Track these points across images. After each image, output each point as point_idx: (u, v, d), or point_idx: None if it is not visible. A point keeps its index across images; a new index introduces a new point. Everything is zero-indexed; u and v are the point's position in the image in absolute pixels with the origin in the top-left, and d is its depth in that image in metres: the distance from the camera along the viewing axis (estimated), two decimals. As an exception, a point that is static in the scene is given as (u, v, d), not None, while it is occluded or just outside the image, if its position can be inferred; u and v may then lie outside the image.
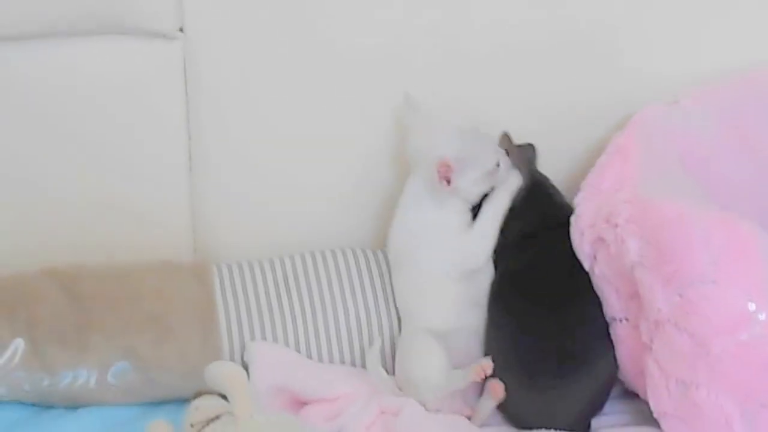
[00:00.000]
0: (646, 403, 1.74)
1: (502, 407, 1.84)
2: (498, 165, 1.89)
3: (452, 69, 2.06)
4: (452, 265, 1.89)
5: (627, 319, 1.81)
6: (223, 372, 1.63)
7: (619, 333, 1.83)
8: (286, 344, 1.93)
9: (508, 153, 1.97)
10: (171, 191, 2.09)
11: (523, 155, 1.98)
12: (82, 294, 1.90)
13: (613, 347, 1.82)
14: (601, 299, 1.84)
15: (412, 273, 1.92)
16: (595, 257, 1.83)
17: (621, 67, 2.08)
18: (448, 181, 1.85)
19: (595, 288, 1.84)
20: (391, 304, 1.96)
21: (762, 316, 1.60)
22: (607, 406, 1.85)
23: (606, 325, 1.83)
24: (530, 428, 1.78)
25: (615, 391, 1.86)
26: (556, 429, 1.76)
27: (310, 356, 1.94)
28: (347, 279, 1.97)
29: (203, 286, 1.94)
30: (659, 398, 1.70)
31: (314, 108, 2.08)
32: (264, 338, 1.92)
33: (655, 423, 1.72)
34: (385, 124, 2.09)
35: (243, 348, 1.91)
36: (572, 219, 1.87)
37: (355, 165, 2.12)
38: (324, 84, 2.07)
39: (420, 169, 1.92)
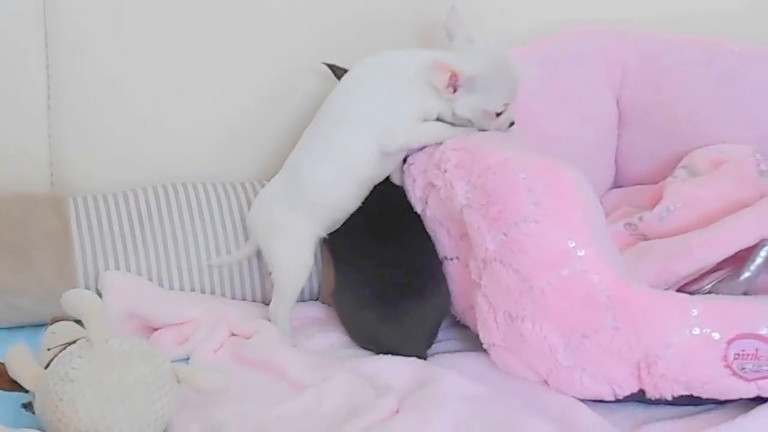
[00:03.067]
0: (477, 335, 1.85)
1: (354, 333, 1.96)
2: (499, 113, 1.92)
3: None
4: (375, 127, 1.92)
5: (458, 258, 1.92)
6: (78, 299, 1.65)
7: (451, 271, 1.94)
8: (139, 274, 2.00)
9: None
10: (29, 125, 2.12)
11: None
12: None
13: (446, 279, 1.94)
14: (434, 240, 1.95)
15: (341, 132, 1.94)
16: (426, 201, 1.94)
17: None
18: (455, 89, 1.88)
19: (428, 230, 1.96)
20: (241, 235, 2.05)
21: (581, 253, 1.71)
22: (441, 334, 1.96)
23: (439, 258, 1.95)
24: (382, 351, 1.89)
25: (446, 321, 1.98)
26: (399, 353, 1.87)
27: (162, 285, 2.01)
28: (198, 212, 2.05)
29: (59, 217, 2.00)
30: (488, 330, 1.80)
31: (179, 45, 2.14)
32: (117, 268, 1.99)
33: (485, 350, 1.84)
34: (249, 64, 2.19)
35: (97, 276, 1.97)
36: (404, 167, 1.98)
37: (215, 102, 2.19)
38: (190, 20, 2.13)
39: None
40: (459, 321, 1.99)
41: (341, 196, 1.95)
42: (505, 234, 1.75)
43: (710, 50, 2.24)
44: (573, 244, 1.72)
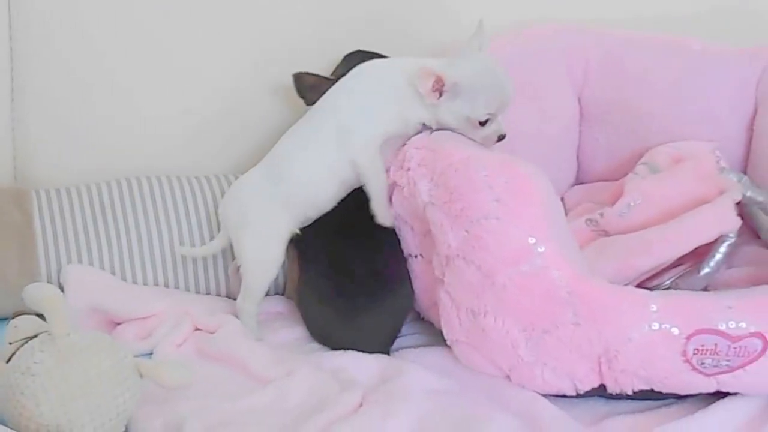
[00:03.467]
0: (441, 330, 1.87)
1: (312, 330, 1.97)
2: (482, 123, 1.89)
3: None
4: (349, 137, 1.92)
5: (421, 255, 1.94)
6: (40, 293, 1.66)
7: (415, 268, 1.96)
8: (102, 268, 2.00)
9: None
10: None
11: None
12: None
13: (410, 275, 1.96)
14: (399, 237, 1.97)
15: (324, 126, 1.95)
16: (390, 199, 1.95)
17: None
18: (440, 94, 1.87)
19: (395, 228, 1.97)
20: (205, 229, 2.06)
21: (541, 249, 1.72)
22: (405, 329, 1.98)
23: (404, 256, 1.97)
24: (340, 349, 1.90)
25: (411, 315, 2.00)
26: (363, 350, 1.88)
27: (125, 279, 2.02)
28: (162, 205, 2.06)
29: (22, 210, 2.00)
30: (451, 327, 1.82)
31: (145, 37, 2.15)
32: (80, 261, 1.99)
33: (449, 345, 1.85)
34: (217, 57, 2.19)
35: (60, 270, 1.98)
36: None
37: (180, 95, 2.20)
38: (156, 13, 2.14)
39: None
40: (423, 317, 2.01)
41: (319, 194, 1.96)
42: (467, 231, 1.77)
43: (671, 48, 2.27)
44: (533, 241, 1.74)
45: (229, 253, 2.05)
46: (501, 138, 1.92)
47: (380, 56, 2.09)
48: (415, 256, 1.95)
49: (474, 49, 1.92)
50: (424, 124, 1.93)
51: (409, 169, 1.87)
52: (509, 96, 1.91)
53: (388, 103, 1.92)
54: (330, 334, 1.93)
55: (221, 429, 1.66)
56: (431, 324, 1.97)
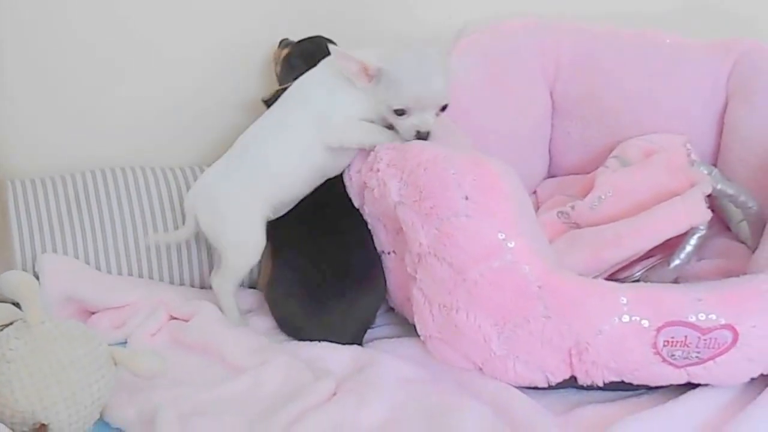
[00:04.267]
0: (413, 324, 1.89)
1: (283, 323, 1.98)
2: (399, 113, 1.89)
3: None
4: (320, 119, 1.94)
5: (394, 252, 1.96)
6: (15, 280, 1.67)
7: (388, 265, 1.99)
8: (76, 257, 2.02)
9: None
10: None
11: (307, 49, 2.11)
12: None
13: (382, 268, 1.98)
14: (373, 235, 1.99)
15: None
16: (363, 198, 1.97)
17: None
18: (369, 78, 1.88)
19: (368, 225, 1.99)
20: (179, 220, 2.07)
21: (511, 244, 1.75)
22: (378, 320, 2.01)
23: (377, 252, 1.99)
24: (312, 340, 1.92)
25: (384, 307, 2.03)
26: (336, 341, 1.91)
27: (99, 269, 2.04)
28: (136, 196, 2.08)
29: None
30: (425, 323, 1.85)
31: (117, 28, 2.16)
32: (55, 251, 2.01)
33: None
34: (187, 49, 2.22)
35: (35, 259, 1.99)
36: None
37: (151, 87, 2.22)
38: (129, 3, 2.16)
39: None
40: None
41: (293, 180, 1.97)
42: (437, 229, 1.80)
43: (642, 43, 2.30)
44: (503, 236, 1.76)
45: (197, 242, 2.08)
46: (421, 136, 1.90)
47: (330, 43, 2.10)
48: (388, 253, 1.98)
49: (427, 42, 1.94)
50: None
51: (378, 170, 1.89)
52: (433, 92, 1.89)
53: (355, 89, 1.92)
54: (298, 328, 1.95)
55: (196, 417, 1.68)
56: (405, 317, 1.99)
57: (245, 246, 1.98)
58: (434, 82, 1.88)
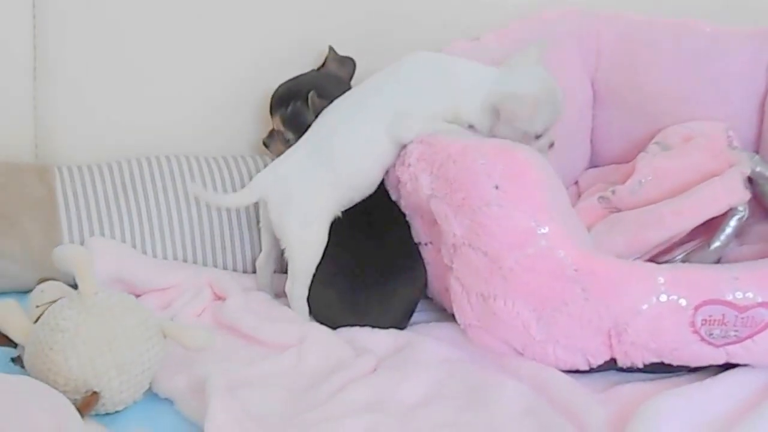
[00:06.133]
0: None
1: (318, 312, 2.01)
2: (539, 136, 1.98)
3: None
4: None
5: (431, 243, 2.01)
6: (69, 253, 1.75)
7: (426, 256, 2.03)
8: (123, 241, 2.09)
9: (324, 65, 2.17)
10: (15, 96, 2.20)
11: (343, 67, 2.17)
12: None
13: (422, 258, 2.02)
14: (411, 225, 2.04)
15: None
16: (399, 192, 2.01)
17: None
18: None
19: (406, 217, 2.04)
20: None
21: (545, 230, 1.79)
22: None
23: (416, 245, 2.03)
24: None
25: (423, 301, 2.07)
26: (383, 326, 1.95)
27: (144, 253, 2.10)
28: (181, 183, 2.14)
29: (46, 185, 2.09)
30: (463, 312, 1.89)
31: (166, 17, 2.22)
32: (102, 235, 2.08)
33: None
34: (238, 40, 2.26)
35: (83, 243, 2.05)
36: None
37: (198, 76, 2.26)
38: None
39: None
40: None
41: (365, 178, 2.01)
42: (470, 219, 1.84)
43: (681, 31, 2.33)
44: (535, 223, 1.80)
45: (240, 227, 2.14)
46: (551, 145, 2.02)
47: None
48: (425, 244, 2.03)
49: (531, 61, 2.01)
50: (471, 126, 2.00)
51: (409, 165, 1.94)
52: (563, 110, 2.00)
53: (441, 95, 1.98)
54: (336, 319, 1.99)
55: (242, 389, 1.73)
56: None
57: (312, 245, 2.00)
58: (563, 102, 2.01)
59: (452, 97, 1.99)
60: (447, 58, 2.06)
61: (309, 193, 1.99)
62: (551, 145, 2.02)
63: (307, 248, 2.00)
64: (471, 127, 2.00)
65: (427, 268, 2.03)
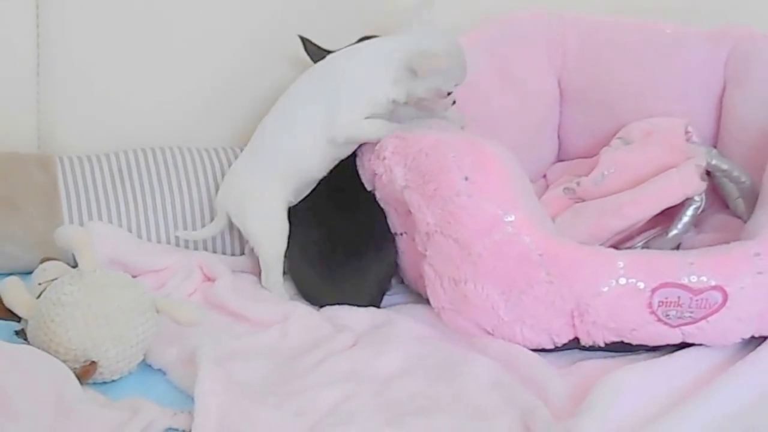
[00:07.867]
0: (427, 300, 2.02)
1: (302, 290, 2.12)
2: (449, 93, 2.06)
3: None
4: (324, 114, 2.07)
5: (406, 233, 2.09)
6: (69, 231, 1.84)
7: (401, 245, 2.11)
8: (120, 226, 2.16)
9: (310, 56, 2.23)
10: (19, 90, 2.27)
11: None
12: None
13: (393, 238, 2.11)
14: (386, 215, 2.12)
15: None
16: (374, 184, 2.09)
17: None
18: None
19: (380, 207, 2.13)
20: (213, 197, 2.20)
21: (511, 218, 1.87)
22: (392, 292, 2.16)
23: (387, 225, 2.12)
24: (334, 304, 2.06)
25: (397, 280, 2.17)
26: (356, 304, 2.05)
27: (140, 237, 2.18)
28: (174, 172, 2.21)
29: (48, 174, 2.16)
30: (437, 295, 1.97)
31: (161, 11, 2.28)
32: (101, 220, 2.15)
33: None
34: (226, 31, 2.32)
35: (83, 226, 2.11)
36: (357, 152, 2.12)
37: (192, 70, 2.33)
38: None
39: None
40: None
41: (307, 165, 2.10)
42: (442, 209, 1.92)
43: (644, 32, 2.41)
44: (502, 211, 1.89)
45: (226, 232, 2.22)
46: (453, 102, 2.09)
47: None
48: (400, 234, 2.11)
49: (427, 22, 2.07)
50: (393, 100, 2.06)
51: (384, 158, 2.01)
52: (467, 67, 2.08)
53: (367, 84, 2.06)
54: (318, 295, 2.09)
55: (229, 361, 1.83)
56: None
57: (274, 234, 2.10)
58: (466, 58, 2.07)
59: (375, 83, 2.04)
60: (374, 43, 2.13)
61: (259, 188, 2.10)
62: (454, 102, 2.08)
63: (269, 238, 2.11)
64: (393, 101, 2.05)
65: (402, 256, 2.11)
